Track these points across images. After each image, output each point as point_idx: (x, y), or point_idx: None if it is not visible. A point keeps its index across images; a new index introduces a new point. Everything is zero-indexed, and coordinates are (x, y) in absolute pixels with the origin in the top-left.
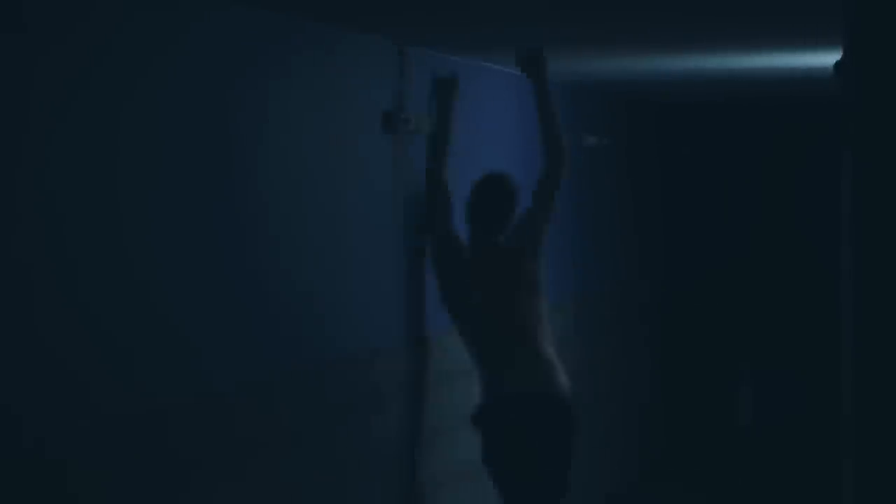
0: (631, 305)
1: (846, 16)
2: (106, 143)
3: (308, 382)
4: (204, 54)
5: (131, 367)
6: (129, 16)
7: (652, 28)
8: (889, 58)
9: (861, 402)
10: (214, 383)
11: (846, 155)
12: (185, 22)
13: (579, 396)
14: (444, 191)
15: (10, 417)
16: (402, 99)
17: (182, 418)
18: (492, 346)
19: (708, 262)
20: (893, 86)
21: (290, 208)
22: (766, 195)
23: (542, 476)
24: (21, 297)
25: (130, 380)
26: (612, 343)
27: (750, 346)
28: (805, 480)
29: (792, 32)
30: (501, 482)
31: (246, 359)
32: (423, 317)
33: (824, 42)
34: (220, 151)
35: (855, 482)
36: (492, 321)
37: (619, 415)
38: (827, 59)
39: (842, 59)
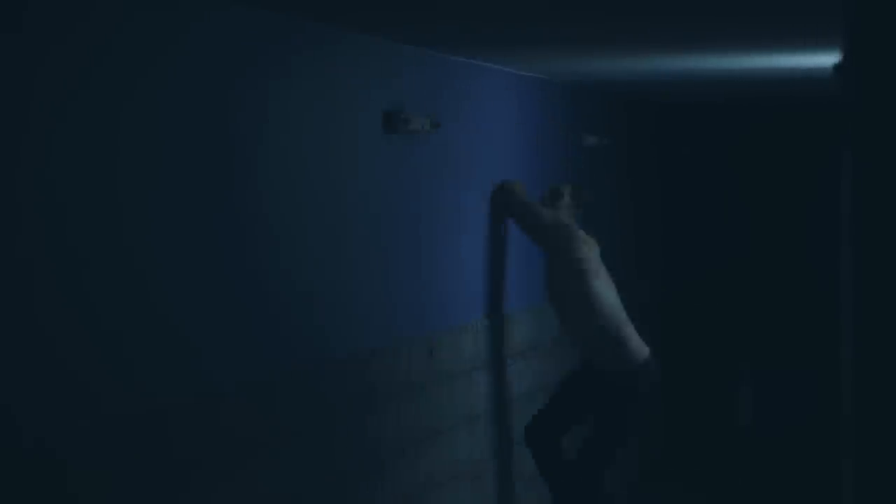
0: (631, 305)
1: (846, 16)
2: (106, 143)
3: (307, 382)
4: (204, 54)
5: (131, 367)
6: (129, 16)
7: (652, 28)
8: (889, 58)
9: (861, 403)
10: (214, 383)
11: (846, 155)
12: (185, 22)
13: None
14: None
15: (11, 417)
16: (402, 99)
17: (182, 418)
18: (616, 324)
19: (707, 262)
20: (893, 86)
21: (290, 208)
22: (765, 195)
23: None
24: (22, 297)
25: (130, 380)
26: None
27: (750, 346)
28: (805, 480)
29: (792, 32)
30: (617, 439)
31: (246, 359)
32: (424, 316)
33: (824, 42)
34: (221, 152)
35: (855, 482)
36: (613, 301)
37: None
38: (827, 59)
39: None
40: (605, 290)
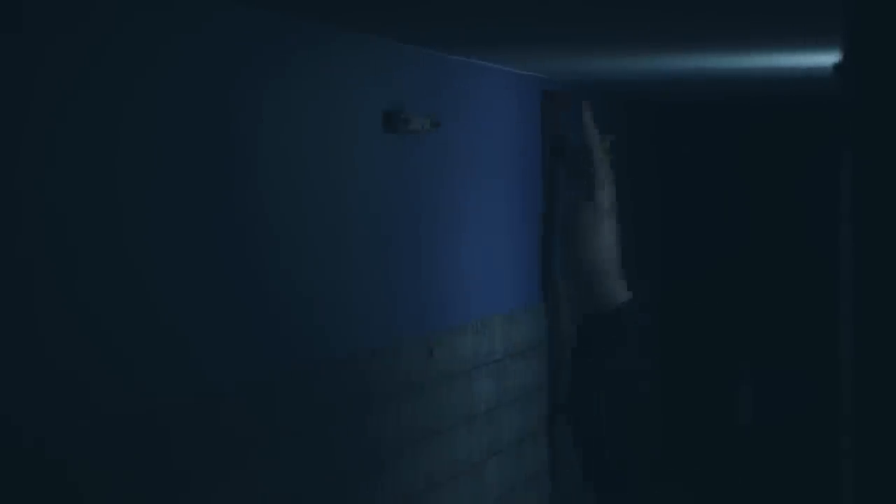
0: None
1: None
2: (105, 143)
3: (307, 382)
4: (204, 54)
5: (131, 367)
6: (129, 16)
7: (652, 28)
8: (889, 58)
9: (860, 402)
10: (214, 383)
11: (846, 154)
12: (185, 22)
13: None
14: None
15: (11, 417)
16: (402, 98)
17: (181, 418)
18: None
19: (707, 261)
20: (893, 86)
21: (290, 208)
22: (765, 195)
23: None
24: (21, 298)
25: (130, 380)
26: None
27: (750, 345)
28: (805, 480)
29: (792, 32)
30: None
31: (245, 359)
32: (423, 316)
33: (824, 42)
34: (220, 151)
35: (854, 482)
36: None
37: (618, 414)
38: (827, 59)
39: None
40: None
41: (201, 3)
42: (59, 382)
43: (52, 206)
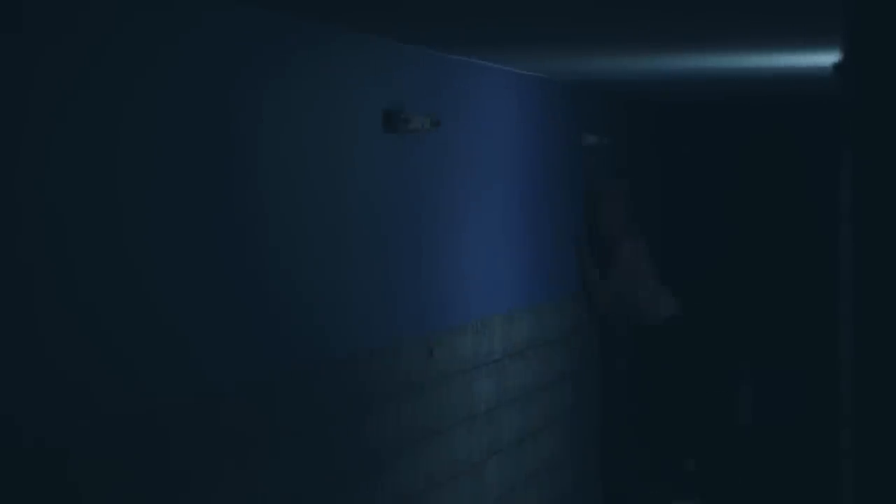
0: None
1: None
2: (105, 142)
3: (307, 382)
4: (203, 54)
5: (131, 367)
6: (129, 16)
7: (652, 28)
8: (889, 58)
9: (861, 402)
10: (214, 383)
11: (846, 154)
12: (184, 22)
13: (581, 392)
14: None
15: (10, 417)
16: (402, 98)
17: (181, 418)
18: None
19: (707, 261)
20: (893, 86)
21: (290, 208)
22: (765, 195)
23: None
24: (21, 298)
25: (130, 380)
26: (611, 342)
27: (750, 346)
28: (805, 480)
29: (792, 32)
30: None
31: (245, 359)
32: (423, 316)
33: (824, 42)
34: (220, 151)
35: (854, 482)
36: None
37: (619, 414)
38: (827, 58)
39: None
40: None
41: (201, 3)
42: (59, 382)
43: (52, 206)
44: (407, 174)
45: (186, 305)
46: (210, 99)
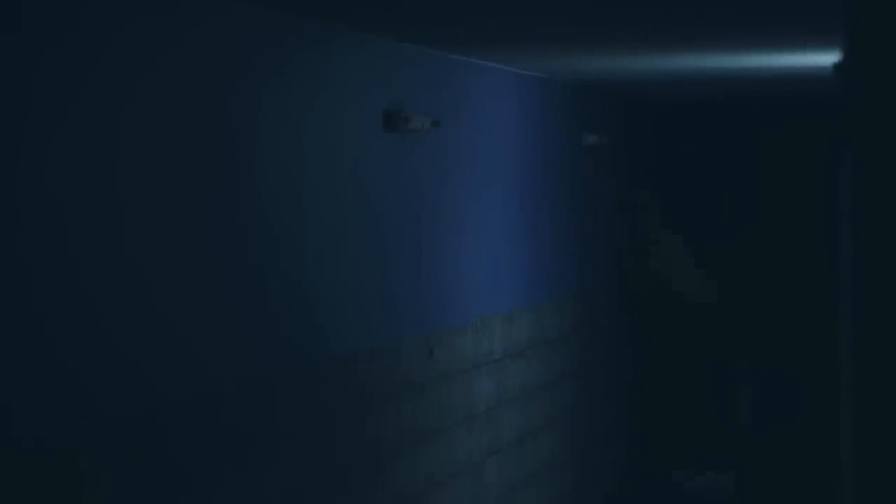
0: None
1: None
2: (105, 142)
3: (307, 382)
4: (204, 53)
5: (131, 368)
6: (129, 15)
7: (652, 28)
8: (889, 58)
9: (861, 402)
10: (214, 383)
11: (846, 154)
12: (185, 21)
13: (580, 394)
14: None
15: (11, 417)
16: (402, 98)
17: (181, 418)
18: None
19: (707, 261)
20: (893, 86)
21: (290, 208)
22: (765, 195)
23: None
24: (21, 298)
25: (130, 380)
26: (611, 342)
27: (750, 346)
28: (804, 480)
29: (792, 32)
30: None
31: (245, 359)
32: (423, 316)
33: (824, 42)
34: (220, 151)
35: (854, 482)
36: None
37: (619, 414)
38: (827, 58)
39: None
40: None
41: (201, 3)
42: (60, 382)
43: (53, 205)
44: (407, 174)
45: (187, 305)
46: (210, 98)
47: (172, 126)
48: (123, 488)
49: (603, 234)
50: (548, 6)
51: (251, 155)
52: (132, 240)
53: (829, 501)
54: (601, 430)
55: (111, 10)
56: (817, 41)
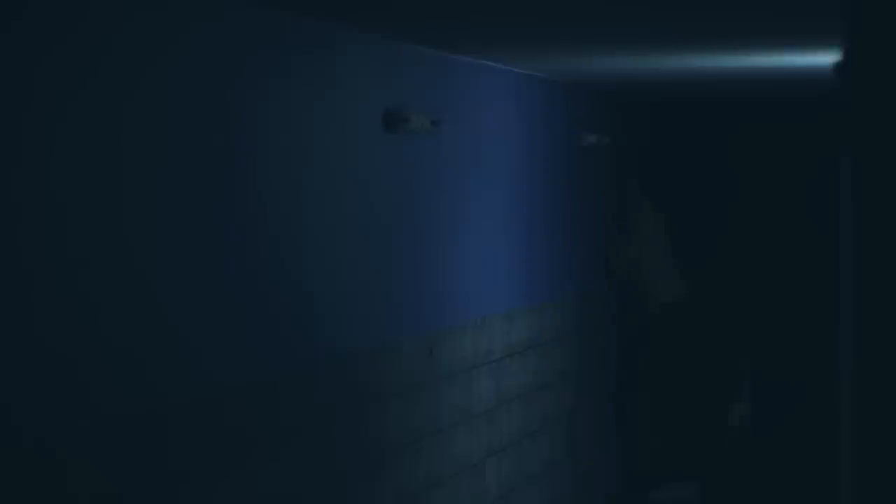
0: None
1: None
2: (106, 142)
3: (307, 382)
4: (203, 53)
5: (131, 367)
6: (129, 15)
7: (652, 27)
8: (889, 58)
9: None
10: (214, 383)
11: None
12: (185, 21)
13: (581, 394)
14: None
15: (11, 417)
16: (403, 98)
17: (181, 418)
18: None
19: (706, 261)
20: (893, 86)
21: (290, 208)
22: (764, 196)
23: None
24: (21, 297)
25: (130, 380)
26: (611, 342)
27: (750, 346)
28: (804, 481)
29: (792, 32)
30: None
31: (245, 359)
32: (423, 316)
33: (824, 42)
34: (220, 151)
35: (854, 483)
36: None
37: (619, 414)
38: (827, 58)
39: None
40: None
41: (201, 3)
42: (59, 382)
43: (53, 205)
44: (407, 174)
45: (187, 305)
46: (210, 99)
47: (172, 126)
48: (123, 488)
49: (602, 234)
50: (548, 6)
51: (251, 155)
52: (132, 239)
53: (829, 501)
54: (601, 431)
55: (111, 9)
56: (817, 41)
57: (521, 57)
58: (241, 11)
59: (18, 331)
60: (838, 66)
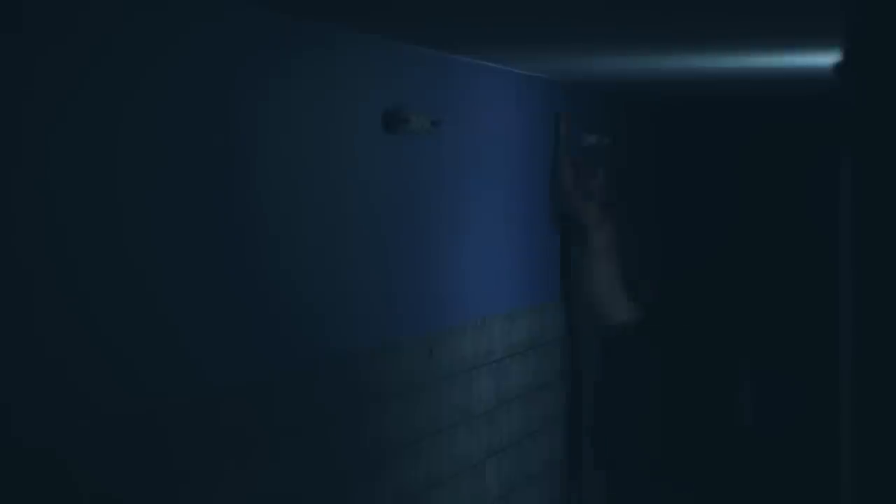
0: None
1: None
2: (105, 143)
3: (306, 382)
4: (203, 54)
5: (130, 368)
6: (128, 15)
7: (652, 28)
8: (889, 58)
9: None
10: (213, 383)
11: (845, 155)
12: (184, 21)
13: (581, 393)
14: None
15: (10, 417)
16: (403, 98)
17: (181, 418)
18: None
19: (707, 261)
20: (893, 86)
21: (290, 208)
22: (765, 195)
23: None
24: (21, 297)
25: (130, 380)
26: (611, 342)
27: (750, 346)
28: (805, 480)
29: (792, 32)
30: None
31: (245, 359)
32: (423, 316)
33: (824, 42)
34: (219, 151)
35: (854, 482)
36: None
37: (618, 414)
38: (827, 59)
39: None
40: None
41: (201, 3)
42: (59, 382)
43: (52, 206)
44: (407, 174)
45: (186, 305)
46: (210, 99)
47: (172, 126)
48: (123, 488)
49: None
50: (548, 6)
51: (251, 155)
52: (132, 239)
53: (829, 501)
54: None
55: (111, 10)
56: (817, 41)
57: (521, 57)
58: (241, 12)
59: (18, 331)
60: (838, 66)
